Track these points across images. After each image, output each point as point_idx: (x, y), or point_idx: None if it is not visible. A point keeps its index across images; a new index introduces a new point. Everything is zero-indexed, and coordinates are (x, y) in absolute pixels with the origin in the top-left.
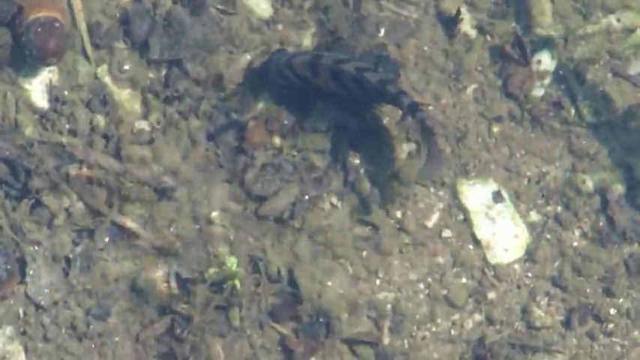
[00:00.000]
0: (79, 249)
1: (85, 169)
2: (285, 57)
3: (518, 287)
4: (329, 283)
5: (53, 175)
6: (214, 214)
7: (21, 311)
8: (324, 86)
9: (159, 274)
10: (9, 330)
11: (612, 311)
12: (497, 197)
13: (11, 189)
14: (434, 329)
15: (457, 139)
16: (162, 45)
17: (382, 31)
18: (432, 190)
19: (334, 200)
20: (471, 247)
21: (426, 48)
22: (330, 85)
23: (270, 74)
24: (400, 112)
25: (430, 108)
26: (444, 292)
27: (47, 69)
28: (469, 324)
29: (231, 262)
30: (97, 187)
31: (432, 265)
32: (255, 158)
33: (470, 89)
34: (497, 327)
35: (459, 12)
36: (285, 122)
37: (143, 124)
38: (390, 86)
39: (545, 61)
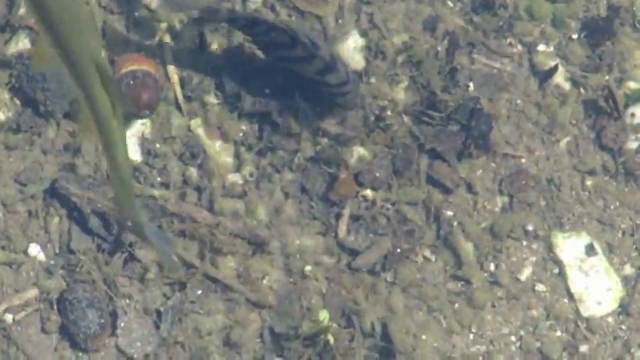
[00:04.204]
0: (170, 302)
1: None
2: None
3: (614, 339)
4: (423, 337)
5: None
6: (308, 267)
7: None
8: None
9: (252, 328)
10: None
11: None
12: (590, 250)
13: (104, 242)
14: None
15: (551, 192)
16: (255, 97)
17: (471, 85)
18: (525, 243)
19: (427, 253)
20: (565, 300)
21: (519, 101)
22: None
23: None
24: None
25: (523, 160)
26: (538, 344)
27: (140, 121)
28: None
29: (323, 316)
30: (189, 240)
31: (525, 319)
32: (346, 210)
33: (563, 142)
34: None
35: (556, 67)
36: (377, 175)
37: (236, 177)
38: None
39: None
